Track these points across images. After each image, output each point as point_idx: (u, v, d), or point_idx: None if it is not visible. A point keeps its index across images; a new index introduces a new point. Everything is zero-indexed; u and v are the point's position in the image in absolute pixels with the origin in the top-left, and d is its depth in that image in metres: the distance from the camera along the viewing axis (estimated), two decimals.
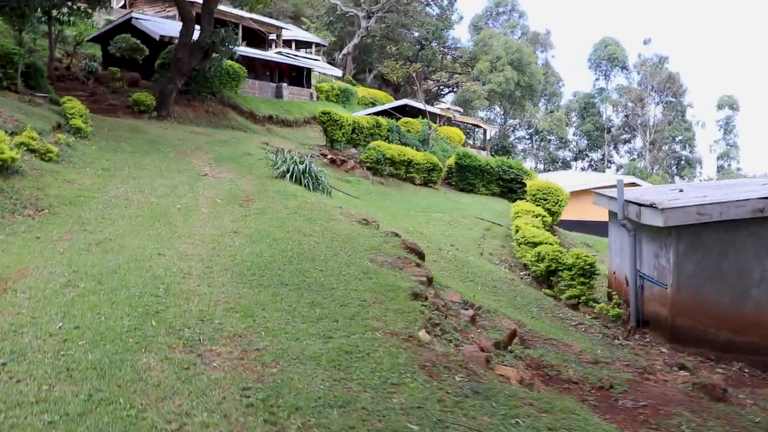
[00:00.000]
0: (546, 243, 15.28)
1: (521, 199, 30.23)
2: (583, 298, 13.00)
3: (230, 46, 26.15)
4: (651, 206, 11.47)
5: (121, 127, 20.05)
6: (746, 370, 9.78)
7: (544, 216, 19.64)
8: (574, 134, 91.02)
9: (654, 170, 78.53)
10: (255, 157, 18.19)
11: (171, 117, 24.78)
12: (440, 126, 34.95)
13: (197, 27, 25.73)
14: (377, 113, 35.70)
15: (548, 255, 13.88)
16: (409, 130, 32.69)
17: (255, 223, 10.68)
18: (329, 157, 24.71)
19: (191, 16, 25.35)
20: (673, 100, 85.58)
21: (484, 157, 30.88)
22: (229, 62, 29.99)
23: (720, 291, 11.20)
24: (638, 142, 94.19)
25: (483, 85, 60.00)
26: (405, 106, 37.67)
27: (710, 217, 11.03)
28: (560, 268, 13.50)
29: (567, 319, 11.22)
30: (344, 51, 56.30)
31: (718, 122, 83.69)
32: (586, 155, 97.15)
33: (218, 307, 6.31)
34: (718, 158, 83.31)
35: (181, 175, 14.60)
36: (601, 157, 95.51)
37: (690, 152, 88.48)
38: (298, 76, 40.31)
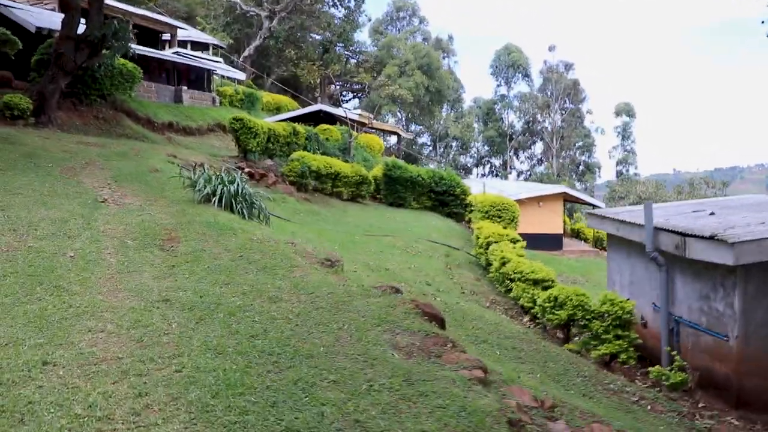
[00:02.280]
0: (550, 280, 12.56)
1: (455, 213, 27.84)
2: (623, 356, 10.25)
3: (124, 42, 22.17)
4: (710, 238, 8.87)
5: None
6: None
7: (518, 239, 16.90)
8: (475, 140, 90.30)
9: (558, 176, 78.56)
10: (165, 174, 14.59)
11: (53, 124, 20.57)
12: (360, 134, 31.98)
13: (83, 21, 21.66)
14: (290, 119, 32.29)
15: (570, 300, 11.02)
16: (327, 138, 29.53)
17: (190, 279, 7.34)
18: (247, 170, 21.19)
19: (76, 3, 21.21)
20: (573, 106, 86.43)
21: (414, 167, 28.15)
22: (122, 61, 25.83)
23: None
24: (538, 148, 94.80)
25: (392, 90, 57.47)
26: (320, 111, 34.49)
27: None
28: (587, 317, 10.70)
29: (621, 391, 8.45)
30: (245, 53, 52.32)
31: (616, 128, 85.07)
32: (488, 161, 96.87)
33: None
34: (617, 163, 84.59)
35: (71, 201, 10.90)
36: (502, 163, 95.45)
37: (588, 158, 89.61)
38: (199, 79, 36.29)
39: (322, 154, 26.31)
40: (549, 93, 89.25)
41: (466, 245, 20.37)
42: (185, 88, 33.05)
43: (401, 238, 17.46)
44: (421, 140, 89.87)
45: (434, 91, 59.94)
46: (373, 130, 39.50)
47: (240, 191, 12.00)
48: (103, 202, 11.22)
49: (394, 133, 43.77)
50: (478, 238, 17.83)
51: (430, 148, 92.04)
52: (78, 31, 21.29)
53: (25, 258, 7.58)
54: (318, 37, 61.61)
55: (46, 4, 33.68)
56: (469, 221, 27.31)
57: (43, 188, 11.61)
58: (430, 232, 20.73)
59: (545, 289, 12.40)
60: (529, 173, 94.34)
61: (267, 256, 8.73)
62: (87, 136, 20.58)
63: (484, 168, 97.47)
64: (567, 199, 35.38)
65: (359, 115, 38.19)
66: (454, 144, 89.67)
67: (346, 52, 62.18)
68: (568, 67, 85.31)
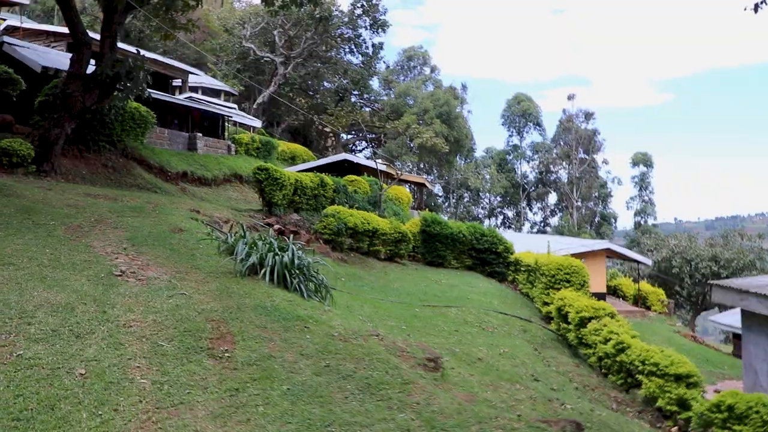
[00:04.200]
0: (695, 375, 9.78)
1: (497, 272, 25.12)
2: None
3: (138, 82, 19.74)
4: None
5: None
6: None
7: (615, 313, 14.06)
8: (488, 191, 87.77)
9: (579, 228, 75.89)
10: (191, 235, 11.95)
11: (56, 173, 18.07)
12: (391, 185, 29.45)
13: (92, 62, 19.38)
14: (313, 170, 29.83)
15: (755, 413, 8.14)
16: (356, 191, 26.98)
17: (269, 417, 4.67)
18: (276, 227, 18.62)
19: (87, 38, 18.89)
20: (587, 156, 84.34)
21: (453, 223, 25.55)
22: (134, 104, 23.50)
23: None
24: (552, 199, 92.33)
25: (410, 140, 55.27)
26: (344, 161, 32.04)
27: None
28: None
29: None
30: (259, 100, 50.19)
31: (634, 178, 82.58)
32: (500, 212, 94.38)
33: None
34: (635, 214, 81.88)
35: (78, 275, 8.26)
36: (515, 214, 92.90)
37: (604, 208, 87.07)
38: (212, 126, 33.93)
39: (350, 207, 23.76)
40: (562, 143, 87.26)
41: (531, 314, 17.67)
42: (200, 135, 30.64)
43: (466, 310, 14.73)
44: (434, 190, 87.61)
45: (453, 140, 57.71)
46: (394, 181, 36.99)
47: (295, 260, 9.34)
48: (120, 275, 8.55)
49: (421, 184, 41.34)
50: (561, 310, 15.06)
51: (441, 198, 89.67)
52: (88, 71, 19.00)
53: (11, 380, 4.89)
54: (328, 85, 59.74)
55: (54, 45, 31.52)
56: (513, 281, 24.61)
57: (42, 255, 8.96)
58: (483, 297, 18.01)
59: (690, 386, 9.63)
60: (542, 224, 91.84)
61: (361, 363, 6.07)
62: (95, 186, 18.05)
63: (496, 219, 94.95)
64: (609, 255, 32.69)
65: (389, 165, 35.73)
66: (466, 195, 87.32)
67: (360, 101, 60.18)
68: (589, 116, 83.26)
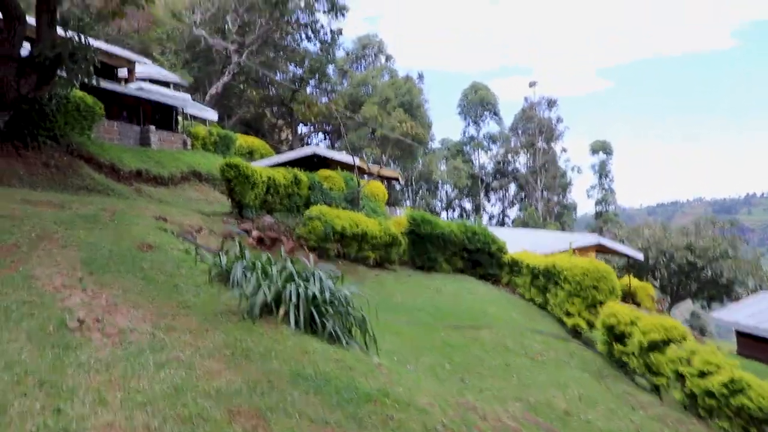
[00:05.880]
0: None
1: (490, 274, 22.81)
2: None
3: (85, 66, 16.68)
4: None
5: None
6: None
7: (685, 334, 11.75)
8: (454, 183, 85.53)
9: (545, 220, 74.39)
10: (164, 253, 9.24)
11: None
12: (370, 181, 26.78)
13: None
14: (280, 165, 27.00)
15: None
16: (331, 188, 24.31)
17: None
18: (255, 233, 15.89)
19: (20, 12, 15.78)
20: (546, 146, 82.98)
21: (443, 221, 23.11)
22: (79, 93, 20.40)
23: None
24: (511, 190, 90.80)
25: (372, 131, 52.63)
26: (313, 156, 29.24)
27: None
28: None
29: None
30: (212, 91, 46.74)
31: (593, 167, 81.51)
32: (459, 204, 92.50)
33: None
34: (596, 203, 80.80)
35: (12, 330, 5.56)
36: (474, 206, 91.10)
37: (563, 198, 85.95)
38: (165, 119, 30.75)
39: (328, 206, 21.11)
40: (520, 132, 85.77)
41: (556, 328, 15.40)
42: (153, 128, 27.50)
43: (497, 330, 12.32)
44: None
45: (410, 134, 55.27)
46: (373, 177, 34.25)
47: (324, 292, 6.75)
48: (77, 328, 5.83)
49: (394, 178, 38.78)
50: (614, 329, 12.66)
51: (398, 190, 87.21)
52: (23, 55, 15.96)
53: None
54: (282, 75, 56.57)
55: None
56: (509, 284, 22.33)
57: None
58: (498, 308, 15.67)
59: None
60: (501, 216, 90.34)
61: None
62: (35, 191, 15.03)
63: (453, 212, 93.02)
64: (600, 250, 30.70)
65: (362, 159, 33.01)
66: (423, 187, 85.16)
67: (317, 90, 57.19)
68: (552, 103, 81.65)
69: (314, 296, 6.63)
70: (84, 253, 8.63)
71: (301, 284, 6.70)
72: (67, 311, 6.22)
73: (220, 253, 8.10)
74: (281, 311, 6.48)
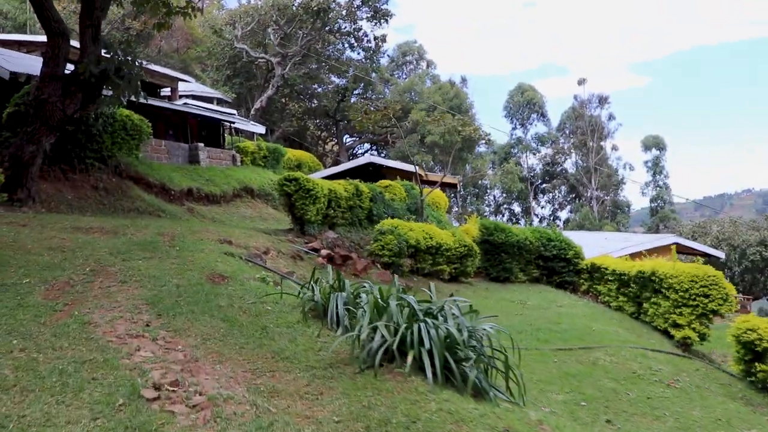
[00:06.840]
0: None
1: (567, 282, 21.13)
2: None
3: (132, 81, 15.46)
4: None
5: None
6: None
7: None
8: (508, 187, 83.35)
9: (600, 220, 71.88)
10: (241, 285, 7.86)
11: (34, 201, 13.97)
12: (434, 189, 25.25)
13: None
14: (335, 176, 25.69)
15: None
16: (392, 198, 22.84)
17: None
18: (324, 252, 14.50)
19: (63, 27, 14.72)
20: (600, 144, 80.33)
21: (517, 228, 21.53)
22: (125, 111, 19.30)
23: None
24: (561, 191, 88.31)
25: (422, 137, 51.12)
26: (368, 164, 27.93)
27: None
28: None
29: None
30: (257, 105, 45.81)
31: (646, 163, 78.59)
32: (507, 208, 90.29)
33: None
34: (651, 201, 77.84)
35: (71, 402, 4.17)
36: (523, 209, 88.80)
37: (615, 196, 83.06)
38: (212, 135, 29.74)
39: (391, 218, 19.66)
40: (568, 131, 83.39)
41: (665, 343, 13.68)
42: (202, 145, 26.42)
43: (611, 351, 10.71)
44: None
45: (465, 136, 53.59)
46: (436, 185, 32.71)
47: (464, 333, 5.25)
48: (155, 397, 4.43)
49: (453, 185, 37.27)
50: (756, 346, 10.86)
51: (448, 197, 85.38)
52: (67, 72, 14.87)
53: None
54: (320, 89, 55.54)
55: (29, 51, 27.09)
56: (588, 291, 20.59)
57: (4, 356, 4.86)
58: (599, 323, 14.00)
59: None
60: (551, 218, 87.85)
61: None
62: (85, 216, 13.89)
63: (502, 216, 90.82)
64: (679, 250, 28.68)
65: (422, 168, 31.55)
66: (471, 192, 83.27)
67: (362, 100, 55.97)
68: (603, 100, 78.98)
69: (447, 336, 5.14)
70: (147, 290, 7.30)
71: (430, 322, 5.21)
72: (139, 372, 4.84)
73: (312, 284, 6.67)
74: (408, 359, 5.00)
